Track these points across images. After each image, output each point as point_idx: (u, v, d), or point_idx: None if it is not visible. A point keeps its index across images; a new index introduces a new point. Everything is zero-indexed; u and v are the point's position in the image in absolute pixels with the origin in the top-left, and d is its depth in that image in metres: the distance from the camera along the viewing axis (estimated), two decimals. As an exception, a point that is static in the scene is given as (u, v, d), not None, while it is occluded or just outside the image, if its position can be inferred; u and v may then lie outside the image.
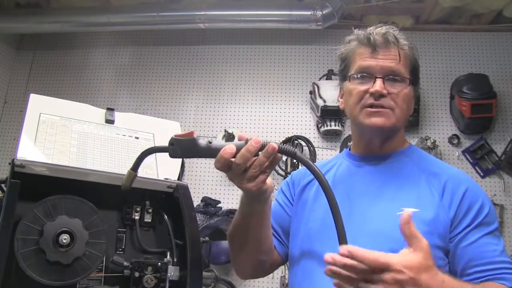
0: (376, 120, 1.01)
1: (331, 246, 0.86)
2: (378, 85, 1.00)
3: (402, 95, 1.02)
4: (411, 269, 0.72)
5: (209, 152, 0.82)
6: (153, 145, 1.60)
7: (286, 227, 1.15)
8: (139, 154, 0.89)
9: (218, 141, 0.82)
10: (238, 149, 0.81)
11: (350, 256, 0.73)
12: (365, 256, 0.72)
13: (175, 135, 0.82)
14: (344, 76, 1.10)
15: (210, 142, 0.82)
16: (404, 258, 0.73)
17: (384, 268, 0.72)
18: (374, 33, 1.04)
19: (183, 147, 0.81)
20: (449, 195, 0.97)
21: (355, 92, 1.04)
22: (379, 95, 1.00)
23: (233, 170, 0.82)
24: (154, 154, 1.63)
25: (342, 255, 0.73)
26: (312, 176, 1.14)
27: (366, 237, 0.95)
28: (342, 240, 0.78)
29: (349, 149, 1.17)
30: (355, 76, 1.05)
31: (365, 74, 1.03)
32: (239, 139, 0.83)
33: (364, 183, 1.05)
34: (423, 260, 0.74)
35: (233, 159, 0.82)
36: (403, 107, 1.03)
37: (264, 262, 1.11)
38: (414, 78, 1.06)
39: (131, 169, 0.89)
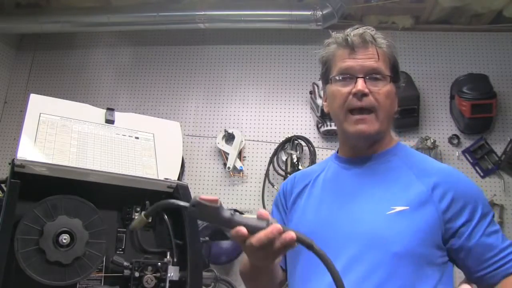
0: (361, 128, 1.01)
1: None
2: (360, 84, 1.01)
3: (384, 92, 1.03)
4: None
5: (230, 224, 0.80)
6: (152, 145, 1.60)
7: None
8: (157, 203, 0.86)
9: (239, 216, 0.81)
10: (258, 229, 0.79)
11: None
12: None
13: (200, 198, 0.79)
14: (326, 79, 1.11)
15: (232, 214, 0.80)
16: None
17: None
18: (352, 34, 1.05)
19: (204, 212, 0.79)
20: (439, 190, 0.97)
21: (338, 94, 1.04)
22: (361, 95, 1.01)
23: (246, 247, 0.81)
24: (154, 154, 1.63)
25: None
26: (303, 184, 1.15)
27: (357, 239, 0.95)
28: None
29: (337, 152, 1.17)
30: (337, 78, 1.05)
31: (346, 75, 1.04)
32: (258, 216, 0.81)
33: (353, 185, 1.06)
34: None
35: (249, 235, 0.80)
36: (386, 105, 1.03)
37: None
38: (394, 75, 1.07)
39: (144, 214, 0.86)
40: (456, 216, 0.95)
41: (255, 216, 0.82)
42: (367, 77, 1.02)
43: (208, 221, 0.81)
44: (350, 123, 1.03)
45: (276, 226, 0.78)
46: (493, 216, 0.99)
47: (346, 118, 1.03)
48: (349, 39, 1.04)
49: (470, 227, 0.94)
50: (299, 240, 0.78)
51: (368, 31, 1.05)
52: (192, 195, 1.52)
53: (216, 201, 0.79)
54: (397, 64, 1.09)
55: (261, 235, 0.78)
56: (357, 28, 1.06)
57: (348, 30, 1.07)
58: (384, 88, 1.03)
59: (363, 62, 1.03)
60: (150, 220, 0.88)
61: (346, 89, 1.03)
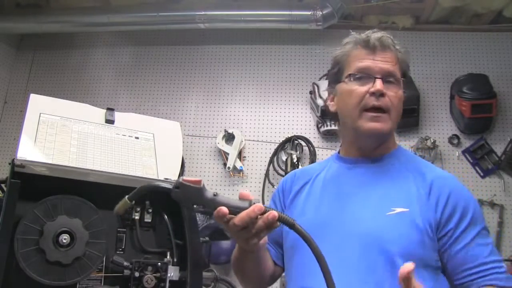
0: (375, 125, 1.02)
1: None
2: (379, 84, 1.02)
3: (399, 96, 1.05)
4: None
5: (212, 204, 0.82)
6: (152, 145, 1.60)
7: (282, 239, 1.17)
8: (139, 186, 0.88)
9: (222, 196, 0.83)
10: (241, 209, 0.81)
11: None
12: None
13: (183, 179, 0.81)
14: (337, 78, 1.11)
15: (215, 195, 0.82)
16: None
17: None
18: (372, 37, 1.06)
19: (187, 193, 0.81)
20: (435, 195, 0.98)
21: (354, 93, 1.05)
22: (380, 94, 1.01)
23: (230, 227, 0.84)
24: (154, 154, 1.63)
25: None
26: (303, 181, 1.16)
27: (356, 238, 0.96)
28: None
29: (338, 153, 1.18)
30: (355, 76, 1.06)
31: (363, 75, 1.04)
32: (241, 197, 0.84)
33: (354, 184, 1.07)
34: None
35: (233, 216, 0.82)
36: (398, 108, 1.05)
37: (264, 281, 1.17)
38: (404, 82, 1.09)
39: (128, 198, 0.88)
40: (447, 221, 0.96)
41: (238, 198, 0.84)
42: (384, 79, 1.03)
43: (192, 202, 0.83)
44: (365, 120, 1.03)
45: (258, 205, 0.80)
46: (485, 229, 0.99)
47: (360, 115, 1.04)
48: (370, 40, 1.05)
49: (456, 234, 0.95)
50: (280, 219, 0.80)
51: (386, 35, 1.07)
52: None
53: (199, 182, 0.81)
54: (408, 71, 1.12)
55: (243, 215, 0.80)
56: (376, 31, 1.08)
57: (368, 32, 1.09)
58: (399, 92, 1.05)
59: (382, 64, 1.04)
60: (133, 204, 0.90)
61: (363, 88, 1.04)
